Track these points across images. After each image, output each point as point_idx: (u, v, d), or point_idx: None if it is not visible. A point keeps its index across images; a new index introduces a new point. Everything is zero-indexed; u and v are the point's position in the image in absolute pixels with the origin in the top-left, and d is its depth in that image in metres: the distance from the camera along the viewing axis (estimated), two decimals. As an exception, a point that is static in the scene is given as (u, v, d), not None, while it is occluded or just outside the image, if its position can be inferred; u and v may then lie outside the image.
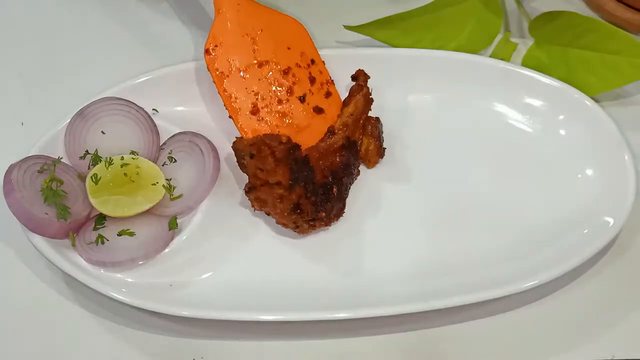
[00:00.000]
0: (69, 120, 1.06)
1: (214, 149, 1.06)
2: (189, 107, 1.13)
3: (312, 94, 1.11)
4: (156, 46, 1.24)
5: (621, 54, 1.12)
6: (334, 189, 1.03)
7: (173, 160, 1.07)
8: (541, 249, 1.02)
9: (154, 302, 0.95)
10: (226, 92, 1.08)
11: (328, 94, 1.13)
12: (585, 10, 1.28)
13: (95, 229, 1.01)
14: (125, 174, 1.02)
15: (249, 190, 1.02)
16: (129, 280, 0.99)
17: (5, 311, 1.01)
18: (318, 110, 1.11)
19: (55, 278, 1.03)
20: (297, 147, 1.00)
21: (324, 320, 0.98)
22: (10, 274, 1.03)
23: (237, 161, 1.03)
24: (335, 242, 1.05)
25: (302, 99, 1.11)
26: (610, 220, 1.01)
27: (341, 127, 1.08)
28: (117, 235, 1.00)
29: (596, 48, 1.14)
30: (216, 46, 1.08)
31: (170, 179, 1.05)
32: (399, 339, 0.99)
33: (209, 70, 1.08)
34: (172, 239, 1.02)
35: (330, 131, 1.08)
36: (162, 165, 1.07)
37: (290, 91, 1.10)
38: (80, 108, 1.06)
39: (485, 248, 1.04)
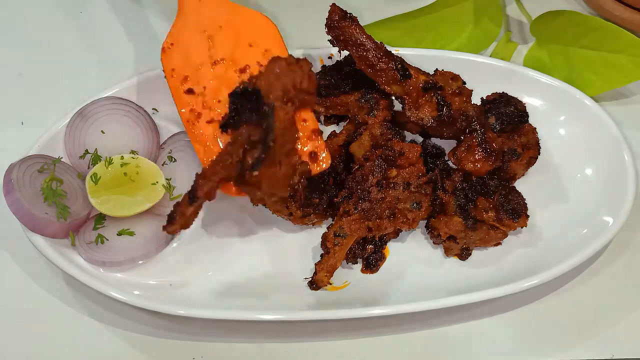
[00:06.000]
0: (68, 119, 1.06)
1: (213, 149, 1.06)
2: (188, 107, 1.13)
3: None
4: (156, 46, 1.23)
5: (623, 52, 1.12)
6: (330, 180, 1.03)
7: (173, 160, 1.07)
8: (541, 249, 1.03)
9: (154, 302, 0.95)
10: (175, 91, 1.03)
11: None
12: (584, 10, 1.28)
13: (95, 228, 1.01)
14: (125, 174, 1.02)
15: None
16: (129, 279, 0.99)
17: (5, 310, 1.01)
18: None
19: (55, 278, 1.03)
20: None
21: (324, 320, 0.98)
22: (10, 274, 1.03)
23: None
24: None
25: None
26: (610, 220, 1.01)
27: (344, 131, 1.09)
28: (117, 234, 1.00)
29: (598, 47, 1.14)
30: (172, 44, 1.04)
31: (170, 179, 1.05)
32: (399, 339, 0.99)
33: (163, 67, 1.04)
34: (171, 238, 1.02)
35: (333, 134, 1.10)
36: (162, 165, 1.07)
37: None
38: (80, 108, 1.06)
39: (484, 248, 1.04)
